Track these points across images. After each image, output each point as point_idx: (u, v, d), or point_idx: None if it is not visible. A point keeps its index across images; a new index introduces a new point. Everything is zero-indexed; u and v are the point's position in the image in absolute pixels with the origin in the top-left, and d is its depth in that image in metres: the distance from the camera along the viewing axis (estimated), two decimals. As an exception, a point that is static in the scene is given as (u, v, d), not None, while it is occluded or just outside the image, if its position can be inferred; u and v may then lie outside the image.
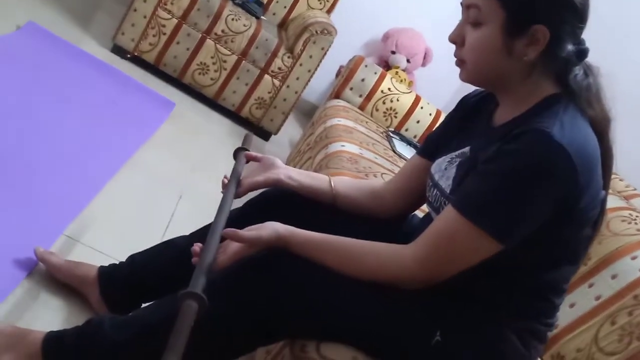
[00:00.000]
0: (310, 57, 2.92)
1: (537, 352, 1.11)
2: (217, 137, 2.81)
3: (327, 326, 1.03)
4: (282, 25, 3.29)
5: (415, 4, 3.65)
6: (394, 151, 2.40)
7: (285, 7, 3.26)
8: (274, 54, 2.91)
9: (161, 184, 2.09)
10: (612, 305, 1.45)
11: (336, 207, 1.31)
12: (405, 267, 1.02)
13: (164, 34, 2.83)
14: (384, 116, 2.76)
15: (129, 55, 2.86)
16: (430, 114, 2.79)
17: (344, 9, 3.40)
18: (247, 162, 1.38)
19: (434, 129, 1.46)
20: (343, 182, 1.35)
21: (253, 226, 1.08)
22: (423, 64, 3.68)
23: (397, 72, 3.54)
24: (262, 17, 3.14)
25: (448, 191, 1.11)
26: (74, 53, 2.54)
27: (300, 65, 2.94)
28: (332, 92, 2.79)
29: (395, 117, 2.76)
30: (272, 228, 1.07)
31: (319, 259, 1.04)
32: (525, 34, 1.00)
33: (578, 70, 1.05)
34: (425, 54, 3.65)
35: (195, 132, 2.73)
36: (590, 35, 1.06)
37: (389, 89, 2.76)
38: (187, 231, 1.39)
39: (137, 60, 2.88)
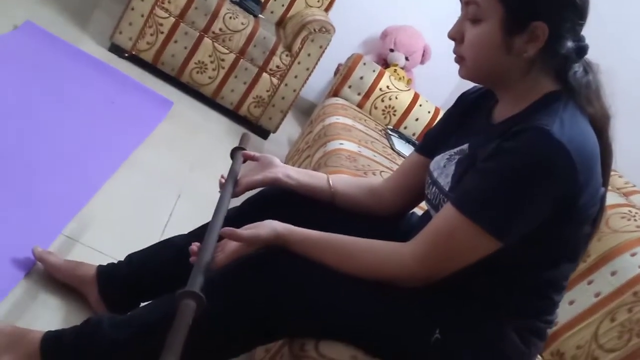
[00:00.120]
0: (309, 55, 2.92)
1: (536, 349, 1.11)
2: (216, 136, 2.80)
3: (326, 325, 1.03)
4: (280, 23, 3.28)
5: (413, 2, 3.64)
6: (392, 149, 2.39)
7: (283, 5, 3.26)
8: (272, 52, 2.91)
9: (159, 183, 2.09)
10: (611, 302, 1.45)
11: (335, 205, 1.31)
12: (404, 264, 1.02)
13: (162, 32, 2.82)
14: (383, 114, 2.75)
15: (126, 54, 2.85)
16: (429, 112, 2.79)
17: (342, 6, 3.39)
18: (245, 161, 1.37)
19: (432, 125, 1.45)
20: (341, 180, 1.35)
21: (251, 225, 1.07)
22: (422, 62, 3.68)
23: (395, 69, 3.53)
24: (259, 15, 3.14)
25: (447, 189, 1.11)
26: (71, 52, 2.53)
27: (299, 63, 2.93)
28: (331, 90, 2.78)
29: (394, 115, 2.76)
30: (270, 226, 1.06)
31: (318, 257, 1.04)
32: (525, 30, 1.00)
33: (578, 67, 1.04)
34: (424, 51, 3.64)
35: (193, 131, 2.73)
36: (589, 32, 1.06)
37: (388, 86, 2.76)
38: (185, 230, 1.39)
39: (135, 59, 2.88)
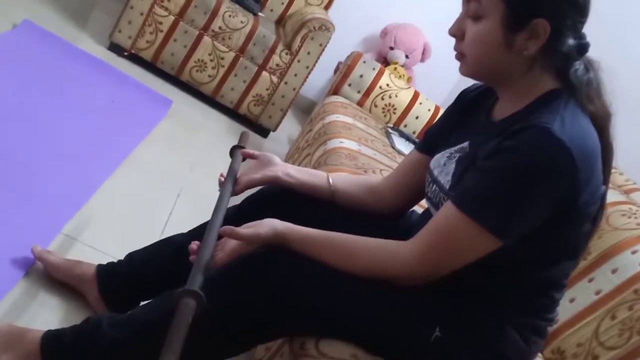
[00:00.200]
0: (308, 53, 2.92)
1: (537, 347, 1.11)
2: (216, 135, 2.80)
3: (325, 324, 1.02)
4: (280, 21, 3.28)
5: (413, -1, 3.64)
6: (392, 147, 2.39)
7: (282, 3, 3.25)
8: (272, 51, 2.90)
9: (159, 181, 2.08)
10: (612, 299, 1.45)
11: (334, 203, 1.31)
12: (404, 263, 1.01)
13: (161, 31, 2.82)
14: (383, 112, 2.75)
15: (126, 53, 2.85)
16: (429, 110, 2.78)
17: (342, 4, 3.39)
18: (244, 159, 1.37)
19: (432, 123, 1.45)
20: (341, 179, 1.35)
21: (251, 223, 1.07)
22: (422, 60, 3.67)
23: (395, 67, 3.53)
24: (259, 13, 3.13)
25: (447, 187, 1.10)
26: (70, 51, 2.53)
27: (298, 61, 2.93)
28: (331, 88, 2.78)
29: (394, 113, 2.75)
30: (270, 225, 1.06)
31: (318, 256, 1.04)
32: (526, 28, 1.00)
33: (579, 65, 1.04)
34: (424, 49, 3.64)
35: (193, 129, 2.73)
36: (590, 32, 1.06)
37: (388, 84, 2.75)
38: (185, 229, 1.39)
39: (134, 58, 2.87)
